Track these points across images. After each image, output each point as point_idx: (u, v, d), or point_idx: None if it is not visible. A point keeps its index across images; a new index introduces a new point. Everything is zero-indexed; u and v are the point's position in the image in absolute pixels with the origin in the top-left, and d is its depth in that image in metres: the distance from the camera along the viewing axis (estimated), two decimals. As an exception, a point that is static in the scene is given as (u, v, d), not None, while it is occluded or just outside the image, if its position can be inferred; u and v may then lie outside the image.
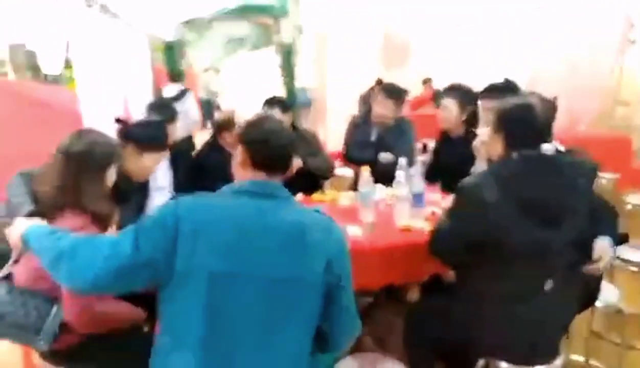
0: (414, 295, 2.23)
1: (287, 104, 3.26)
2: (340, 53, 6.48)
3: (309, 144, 3.24)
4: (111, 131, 3.33)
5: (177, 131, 2.95)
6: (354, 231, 2.19)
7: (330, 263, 1.31)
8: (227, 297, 1.26)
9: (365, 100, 3.60)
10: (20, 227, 1.48)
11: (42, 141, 1.93)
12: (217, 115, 3.45)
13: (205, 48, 8.20)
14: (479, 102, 2.55)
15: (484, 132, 2.47)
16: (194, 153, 3.47)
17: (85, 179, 1.67)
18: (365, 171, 2.45)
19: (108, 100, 3.56)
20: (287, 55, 6.94)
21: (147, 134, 2.22)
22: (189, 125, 4.59)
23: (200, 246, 1.27)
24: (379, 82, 3.63)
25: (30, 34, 2.67)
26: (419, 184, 2.35)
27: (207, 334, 1.25)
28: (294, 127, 3.23)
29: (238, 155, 1.45)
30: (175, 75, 6.49)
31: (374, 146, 3.24)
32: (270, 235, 1.29)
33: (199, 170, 2.98)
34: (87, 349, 1.71)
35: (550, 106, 2.15)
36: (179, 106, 6.33)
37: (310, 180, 3.15)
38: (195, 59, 7.56)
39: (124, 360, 1.79)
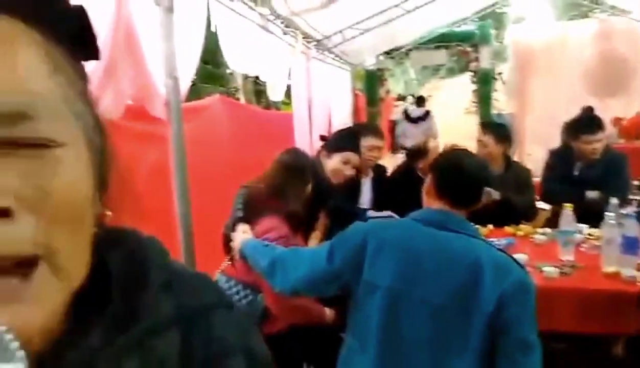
0: (618, 349, 2.00)
1: (502, 132, 3.08)
2: (542, 78, 6.06)
3: (518, 178, 3.07)
4: (318, 145, 3.77)
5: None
6: (549, 270, 2.07)
7: (502, 305, 1.24)
8: (399, 313, 1.36)
9: (568, 131, 3.31)
10: (238, 240, 1.81)
11: (262, 155, 2.42)
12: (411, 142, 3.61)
13: (402, 75, 8.56)
14: None
15: None
16: (387, 175, 3.66)
17: (289, 184, 1.98)
18: (568, 209, 2.29)
19: (315, 120, 4.03)
20: (485, 81, 6.79)
21: (333, 137, 2.57)
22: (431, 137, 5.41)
23: (381, 262, 1.40)
24: (588, 110, 3.29)
25: (261, 67, 3.20)
26: (633, 228, 2.10)
27: (382, 344, 1.37)
28: (507, 158, 3.10)
29: (427, 182, 1.51)
30: (373, 101, 6.95)
31: (577, 182, 2.97)
32: (442, 264, 1.33)
33: (390, 192, 3.14)
34: (288, 338, 1.98)
35: None
36: (424, 124, 7.28)
37: (506, 212, 3.02)
38: (392, 86, 8.01)
39: (317, 353, 2.02)
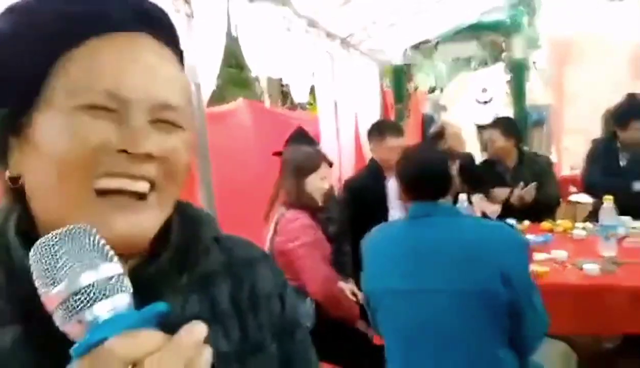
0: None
1: (510, 126, 3.05)
2: (582, 65, 5.81)
3: (538, 171, 2.96)
4: (346, 146, 3.72)
5: None
6: (590, 267, 1.96)
7: (508, 276, 1.27)
8: (411, 313, 1.36)
9: (610, 120, 3.15)
10: None
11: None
12: (432, 128, 3.53)
13: (431, 69, 8.42)
14: None
15: None
16: None
17: (286, 177, 2.09)
18: (608, 201, 2.17)
19: (342, 121, 3.99)
20: (518, 71, 6.55)
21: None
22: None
23: (378, 268, 1.43)
24: (633, 97, 3.12)
25: (284, 68, 3.18)
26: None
27: (405, 347, 1.38)
28: (520, 151, 3.01)
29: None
30: (400, 97, 6.85)
31: (623, 173, 2.81)
32: (443, 251, 1.33)
33: None
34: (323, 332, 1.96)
35: None
36: (489, 106, 7.86)
37: (540, 207, 2.89)
38: (420, 80, 7.90)
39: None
